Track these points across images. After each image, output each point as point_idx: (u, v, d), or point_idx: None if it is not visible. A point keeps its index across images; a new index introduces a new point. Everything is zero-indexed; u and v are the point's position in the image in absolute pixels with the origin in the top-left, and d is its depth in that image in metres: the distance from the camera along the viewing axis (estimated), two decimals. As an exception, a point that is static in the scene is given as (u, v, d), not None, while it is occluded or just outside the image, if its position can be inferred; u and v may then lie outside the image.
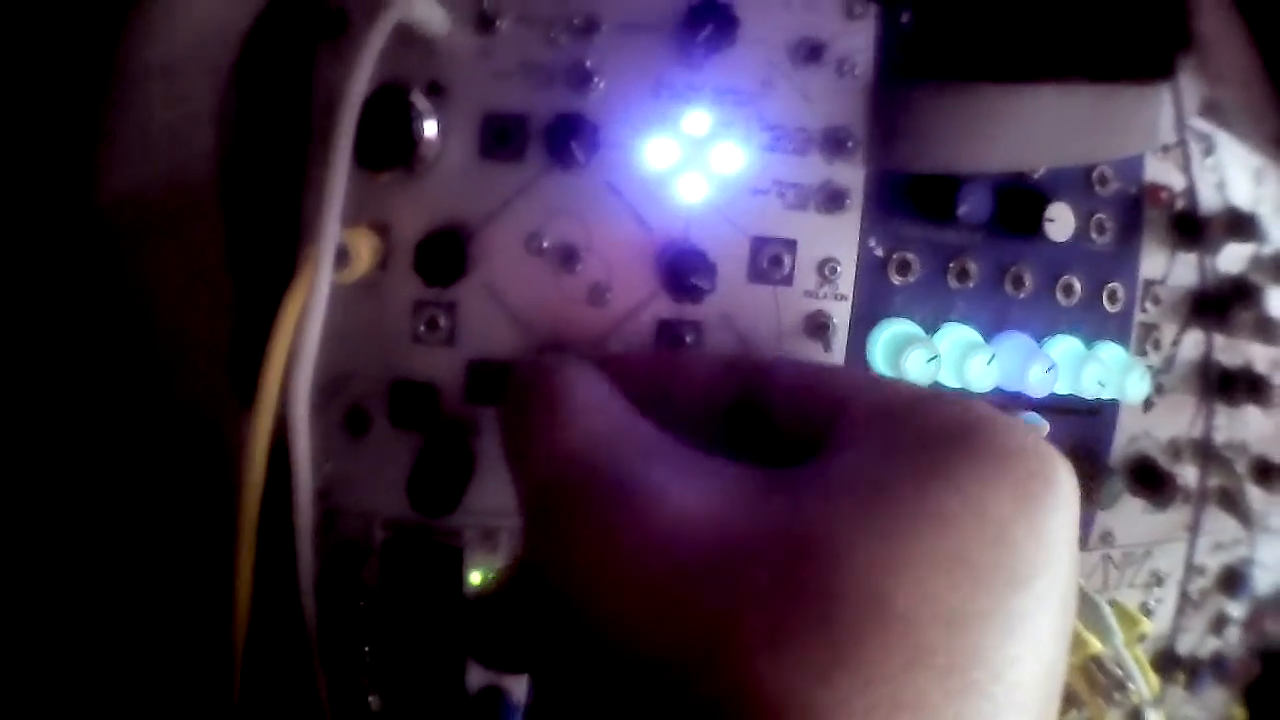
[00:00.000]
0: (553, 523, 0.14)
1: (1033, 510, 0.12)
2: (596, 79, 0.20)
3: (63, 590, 0.27)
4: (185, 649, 0.25)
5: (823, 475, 0.13)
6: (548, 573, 0.14)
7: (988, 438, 0.13)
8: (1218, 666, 0.28)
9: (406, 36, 0.20)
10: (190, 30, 0.27)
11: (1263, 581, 0.29)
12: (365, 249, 0.20)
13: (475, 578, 0.22)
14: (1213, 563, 0.27)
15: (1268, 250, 0.26)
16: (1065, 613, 0.13)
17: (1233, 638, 0.29)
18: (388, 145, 0.20)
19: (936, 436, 0.13)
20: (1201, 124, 0.25)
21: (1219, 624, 0.28)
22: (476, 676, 0.23)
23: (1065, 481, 0.13)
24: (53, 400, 0.28)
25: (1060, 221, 0.21)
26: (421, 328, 0.21)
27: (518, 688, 0.23)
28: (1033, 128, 0.20)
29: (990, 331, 0.22)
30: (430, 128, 0.20)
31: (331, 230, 0.18)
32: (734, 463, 0.14)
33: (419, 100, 0.20)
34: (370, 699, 0.24)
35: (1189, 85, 0.23)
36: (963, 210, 0.20)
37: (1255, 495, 0.27)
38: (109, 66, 0.27)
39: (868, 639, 0.11)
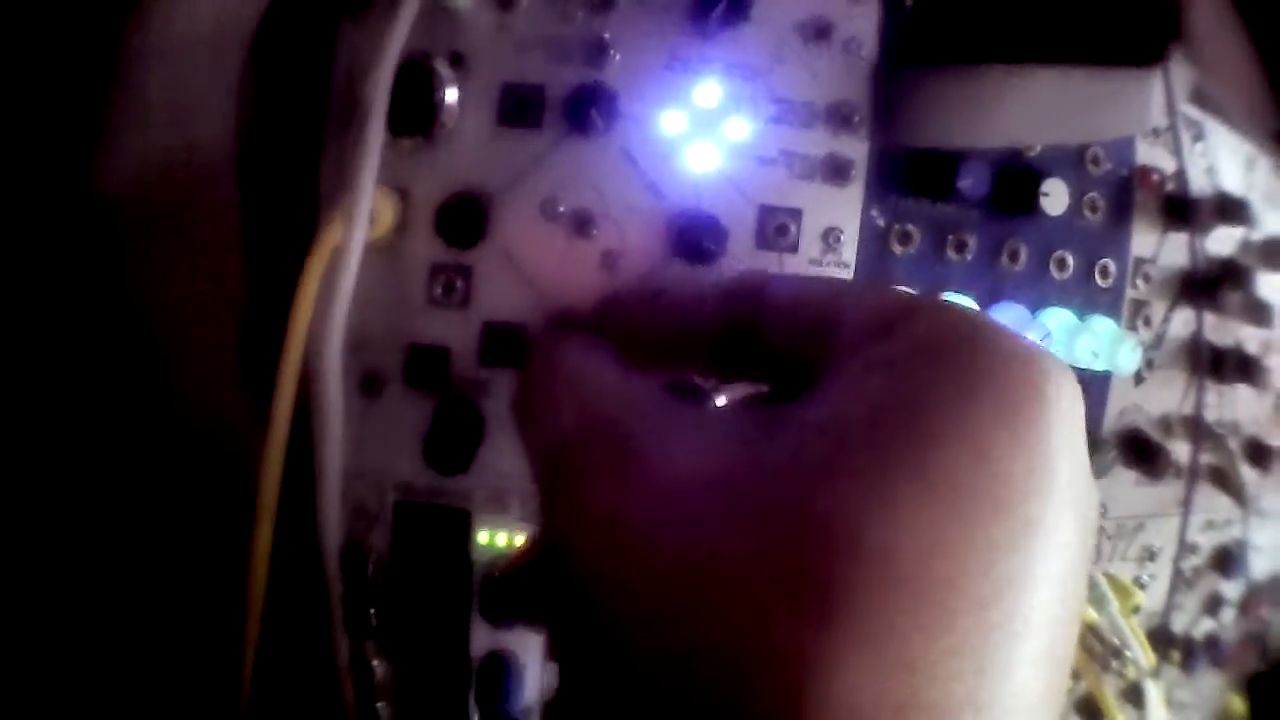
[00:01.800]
0: (559, 486, 0.15)
1: (1018, 428, 0.12)
2: (612, 52, 0.22)
3: (64, 585, 0.29)
4: (197, 633, 0.27)
5: (805, 415, 0.14)
6: (557, 533, 0.15)
7: (974, 350, 0.13)
8: (1213, 648, 0.31)
9: (430, 7, 0.22)
10: (194, 17, 0.29)
11: (1257, 565, 0.31)
12: (386, 210, 0.23)
13: (483, 537, 0.24)
14: (1206, 541, 0.29)
15: (1257, 235, 0.29)
16: (1066, 535, 0.13)
17: (1227, 619, 0.31)
18: (410, 112, 0.22)
19: (922, 355, 0.13)
20: (1192, 111, 0.27)
21: (1213, 604, 0.30)
22: (481, 642, 0.25)
23: (1058, 393, 0.13)
24: (53, 390, 0.30)
25: (1055, 196, 0.23)
26: (438, 291, 0.23)
27: (522, 653, 0.25)
28: (1029, 107, 0.22)
29: (986, 302, 0.24)
30: (452, 96, 0.22)
31: (366, 188, 0.20)
32: (726, 412, 0.15)
33: (442, 69, 0.22)
34: (374, 664, 0.25)
35: (1180, 72, 0.25)
36: (962, 185, 0.22)
37: (1249, 477, 0.29)
38: (111, 53, 0.29)
39: (842, 582, 0.12)
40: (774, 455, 0.13)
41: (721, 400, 0.21)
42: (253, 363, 0.26)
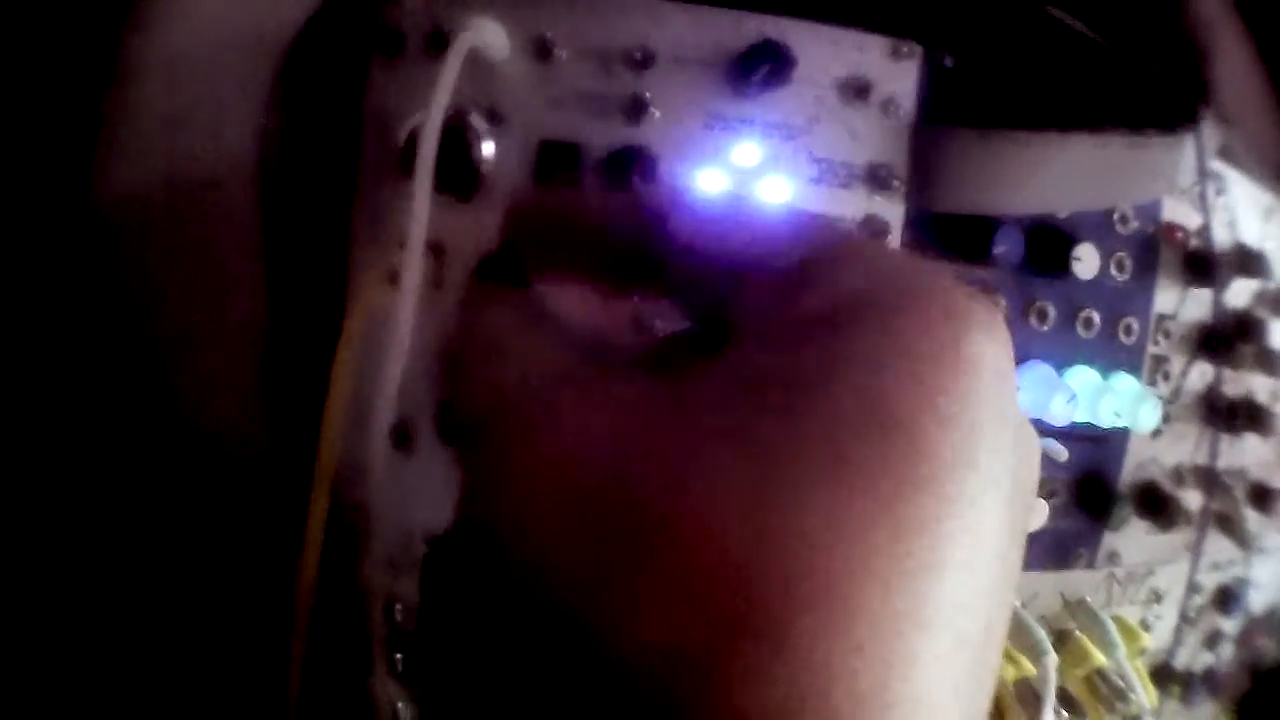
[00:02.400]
0: (476, 453, 0.15)
1: (937, 401, 0.12)
2: (652, 110, 0.22)
3: (67, 594, 0.29)
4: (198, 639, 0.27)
5: (707, 385, 0.13)
6: (472, 503, 0.15)
7: (892, 313, 0.12)
8: (1210, 680, 0.32)
9: (467, 60, 0.22)
10: (195, 29, 0.29)
11: (1256, 600, 0.33)
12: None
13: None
14: (1209, 581, 0.31)
15: (1273, 285, 0.30)
16: (995, 518, 0.12)
17: (1225, 653, 0.33)
18: (447, 169, 0.22)
19: (834, 321, 0.13)
20: (1216, 165, 0.28)
21: (1213, 640, 0.32)
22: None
23: (983, 355, 0.12)
24: (55, 394, 0.30)
25: (1087, 261, 0.24)
26: (470, 345, 0.23)
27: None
28: (1066, 174, 0.23)
29: (1015, 360, 0.25)
30: (489, 152, 0.22)
31: (417, 255, 0.20)
32: (635, 378, 0.14)
33: (478, 125, 0.22)
34: (400, 707, 0.26)
35: (1209, 131, 0.26)
36: (999, 251, 0.23)
37: (1251, 518, 0.31)
38: (110, 61, 0.29)
39: (718, 568, 0.11)
40: (666, 427, 0.12)
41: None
42: (272, 377, 0.27)
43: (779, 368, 0.12)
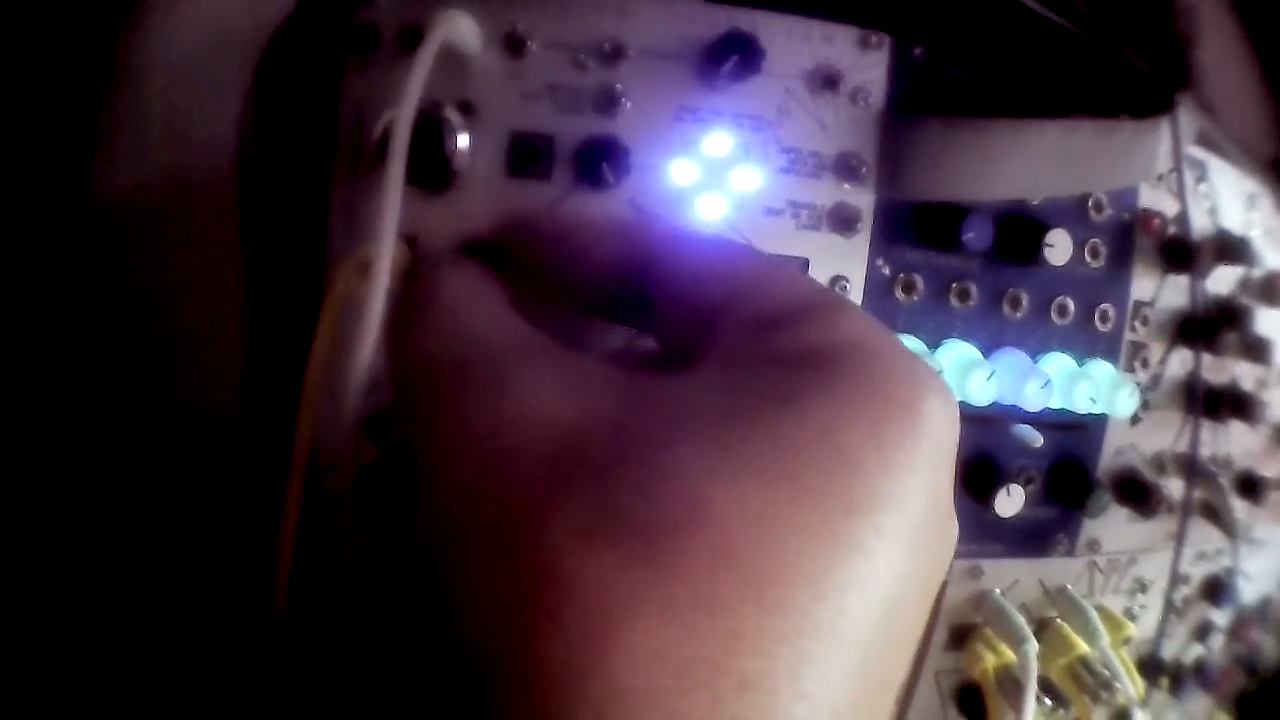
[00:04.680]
0: (416, 406, 0.16)
1: (886, 439, 0.13)
2: (624, 101, 0.23)
3: (62, 580, 0.30)
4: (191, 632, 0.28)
5: (675, 384, 0.15)
6: (417, 443, 0.16)
7: (850, 363, 0.14)
8: (1201, 673, 0.33)
9: (439, 54, 0.23)
10: (194, 30, 0.30)
11: (1247, 591, 0.33)
12: (396, 260, 0.23)
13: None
14: (1196, 572, 0.31)
15: (1258, 273, 0.30)
16: (916, 554, 0.13)
17: (1216, 645, 0.33)
18: (421, 161, 0.23)
19: (796, 358, 0.14)
20: (1196, 152, 0.28)
21: (1203, 631, 0.32)
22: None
23: (934, 413, 0.14)
24: (50, 402, 0.31)
25: (1059, 247, 0.24)
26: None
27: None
28: (1036, 161, 0.23)
29: (988, 348, 0.25)
30: (462, 144, 0.23)
31: (386, 252, 0.20)
32: (599, 364, 0.16)
33: (452, 117, 0.23)
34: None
35: (1186, 117, 0.26)
36: (967, 238, 0.23)
37: (1240, 508, 0.31)
38: (109, 64, 0.30)
39: (675, 536, 0.12)
40: (632, 409, 0.14)
41: (612, 340, 0.22)
42: (255, 369, 0.28)
43: (749, 385, 0.14)
